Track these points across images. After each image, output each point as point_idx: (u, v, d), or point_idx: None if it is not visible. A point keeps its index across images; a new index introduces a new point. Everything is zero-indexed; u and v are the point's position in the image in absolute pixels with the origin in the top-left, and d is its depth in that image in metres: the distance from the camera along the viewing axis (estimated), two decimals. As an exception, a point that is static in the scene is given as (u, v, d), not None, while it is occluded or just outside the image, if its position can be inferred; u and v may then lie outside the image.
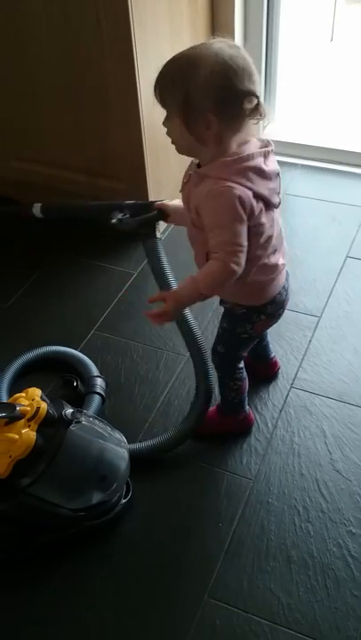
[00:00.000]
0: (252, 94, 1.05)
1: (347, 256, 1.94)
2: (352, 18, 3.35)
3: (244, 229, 1.09)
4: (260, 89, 1.10)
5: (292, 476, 1.41)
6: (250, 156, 1.09)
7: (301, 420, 1.51)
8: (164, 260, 1.33)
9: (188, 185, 1.16)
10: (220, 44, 1.05)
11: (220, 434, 1.48)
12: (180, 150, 1.13)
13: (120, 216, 1.27)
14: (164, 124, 1.11)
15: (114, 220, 1.27)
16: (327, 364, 1.64)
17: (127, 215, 1.27)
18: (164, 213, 1.26)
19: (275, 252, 1.20)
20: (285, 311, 1.72)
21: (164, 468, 1.44)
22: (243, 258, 1.11)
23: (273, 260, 1.21)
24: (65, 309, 1.85)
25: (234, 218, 1.08)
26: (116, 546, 1.31)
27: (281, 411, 1.53)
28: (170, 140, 1.13)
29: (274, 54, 2.21)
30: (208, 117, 1.05)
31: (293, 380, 1.60)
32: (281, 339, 1.69)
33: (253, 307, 1.25)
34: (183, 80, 1.03)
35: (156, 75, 1.07)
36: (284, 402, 1.55)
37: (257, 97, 1.06)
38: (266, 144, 1.14)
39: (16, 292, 1.90)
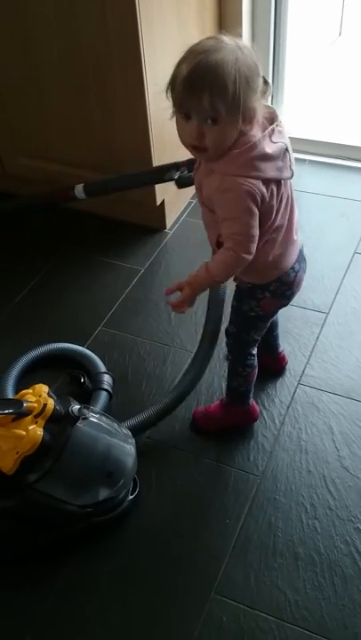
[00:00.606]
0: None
1: (355, 252, 1.93)
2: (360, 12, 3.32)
3: (254, 221, 1.10)
4: None
5: (299, 472, 1.40)
6: (255, 145, 1.07)
7: (309, 416, 1.51)
8: None
9: (200, 171, 1.16)
10: (226, 37, 1.04)
11: (225, 428, 1.48)
12: (217, 153, 1.07)
13: (179, 173, 1.36)
14: (203, 134, 1.04)
15: (175, 177, 1.36)
16: (335, 360, 1.63)
17: (185, 171, 1.36)
18: None
19: (288, 225, 1.20)
20: (293, 308, 1.73)
21: (171, 465, 1.44)
22: (253, 247, 1.13)
23: (284, 234, 1.20)
24: (72, 306, 1.85)
25: (243, 211, 1.09)
26: (123, 542, 1.31)
27: (288, 407, 1.53)
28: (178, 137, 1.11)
29: (282, 49, 2.20)
30: (254, 108, 1.04)
31: (301, 376, 1.60)
32: (288, 335, 1.68)
33: (258, 284, 1.25)
34: (235, 84, 1.00)
35: (205, 88, 1.00)
36: (292, 398, 1.55)
37: (264, 77, 1.07)
38: (271, 118, 1.11)
39: (23, 288, 1.91)
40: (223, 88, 1.00)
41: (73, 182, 1.94)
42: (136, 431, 1.41)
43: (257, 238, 1.12)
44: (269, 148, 1.09)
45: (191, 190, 2.18)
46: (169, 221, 2.09)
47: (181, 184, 1.38)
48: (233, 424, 1.48)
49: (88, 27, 1.68)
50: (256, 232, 1.12)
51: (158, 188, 1.89)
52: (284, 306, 1.32)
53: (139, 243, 2.04)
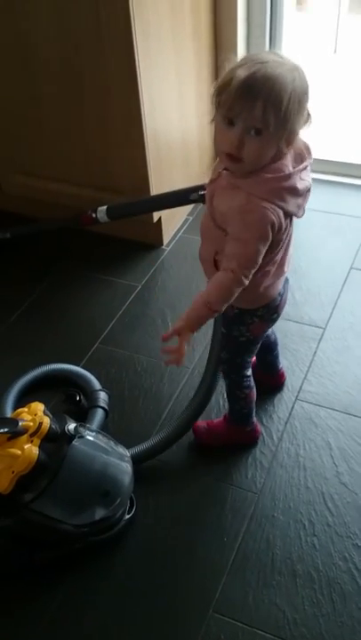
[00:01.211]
0: None
1: (351, 267, 1.94)
2: (355, 29, 3.36)
3: (263, 249, 1.09)
4: None
5: (297, 489, 1.40)
6: (288, 176, 1.06)
7: (307, 432, 1.51)
8: None
9: (216, 183, 1.14)
10: (286, 56, 1.04)
11: (226, 446, 1.48)
12: (251, 167, 1.06)
13: (199, 194, 1.38)
14: (243, 142, 1.03)
15: (195, 197, 1.38)
16: (332, 375, 1.63)
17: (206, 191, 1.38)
18: None
19: (281, 257, 1.20)
20: (290, 323, 1.74)
21: (168, 483, 1.44)
22: (251, 273, 1.11)
23: (277, 266, 1.20)
24: (69, 323, 1.85)
25: (259, 238, 1.07)
26: (120, 561, 1.30)
27: (286, 423, 1.53)
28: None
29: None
30: (297, 132, 1.05)
31: (298, 392, 1.59)
32: (286, 350, 1.68)
33: (246, 309, 1.25)
34: (290, 101, 1.01)
35: (261, 95, 0.99)
36: (290, 414, 1.55)
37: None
38: (303, 154, 1.11)
39: (20, 305, 1.91)
40: (279, 100, 0.99)
41: (70, 201, 1.96)
42: (142, 460, 1.41)
43: (257, 267, 1.11)
44: (300, 184, 1.09)
45: (188, 207, 2.20)
46: (166, 238, 2.09)
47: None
48: (235, 442, 1.48)
49: (86, 49, 1.69)
50: (260, 260, 1.10)
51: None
52: (271, 327, 1.34)
53: (136, 259, 2.05)
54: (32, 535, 1.22)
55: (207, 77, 2.02)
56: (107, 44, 1.66)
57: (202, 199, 1.37)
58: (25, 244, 2.10)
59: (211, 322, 1.36)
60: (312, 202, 2.18)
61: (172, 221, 2.12)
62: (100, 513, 1.23)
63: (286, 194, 1.07)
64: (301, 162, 1.10)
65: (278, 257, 1.18)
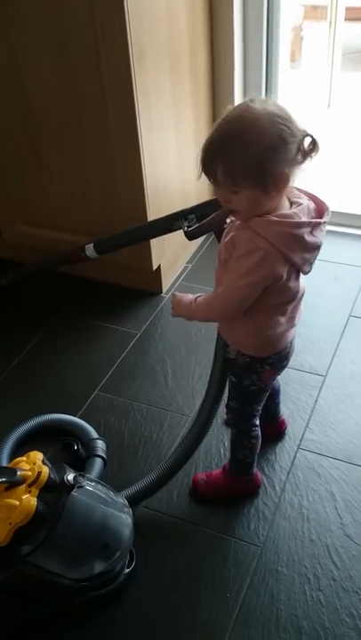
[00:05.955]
0: (307, 134, 1.03)
1: (350, 315, 1.94)
2: (348, 85, 3.48)
3: (254, 289, 1.08)
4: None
5: (301, 542, 1.36)
6: (297, 225, 1.05)
7: (310, 482, 1.48)
8: None
9: (233, 223, 1.15)
10: (257, 103, 1.02)
11: (227, 496, 1.44)
12: (248, 216, 1.07)
13: (187, 223, 1.31)
14: (229, 199, 1.05)
15: (185, 229, 1.32)
16: (334, 424, 1.61)
17: (194, 220, 1.31)
18: None
19: (292, 310, 1.20)
20: (290, 371, 1.73)
21: (168, 535, 1.40)
22: (238, 311, 1.11)
23: (288, 318, 1.20)
24: (68, 370, 1.83)
25: (250, 274, 1.06)
26: (120, 618, 1.25)
27: (289, 473, 1.50)
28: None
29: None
30: (283, 174, 1.03)
31: (300, 440, 1.57)
32: (287, 398, 1.67)
33: (257, 357, 1.24)
34: (253, 153, 0.99)
35: (218, 158, 1.01)
36: (292, 464, 1.52)
37: (310, 135, 1.04)
38: (321, 212, 1.11)
39: (19, 353, 1.90)
40: (236, 160, 1.00)
41: (69, 248, 1.97)
42: (136, 500, 1.38)
43: (246, 306, 1.11)
44: (309, 238, 1.07)
45: (187, 255, 2.22)
46: (165, 285, 2.10)
47: (191, 236, 1.32)
48: (236, 493, 1.45)
49: (87, 101, 1.73)
50: (248, 302, 1.10)
51: (155, 252, 1.92)
52: (279, 374, 1.33)
53: (135, 307, 2.05)
54: (29, 590, 1.18)
55: (205, 131, 2.06)
56: (108, 99, 1.69)
57: (191, 233, 1.33)
58: (25, 291, 2.10)
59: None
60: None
61: (172, 269, 2.13)
62: (99, 566, 1.19)
63: (292, 242, 1.06)
64: (315, 217, 1.10)
65: (289, 309, 1.19)
